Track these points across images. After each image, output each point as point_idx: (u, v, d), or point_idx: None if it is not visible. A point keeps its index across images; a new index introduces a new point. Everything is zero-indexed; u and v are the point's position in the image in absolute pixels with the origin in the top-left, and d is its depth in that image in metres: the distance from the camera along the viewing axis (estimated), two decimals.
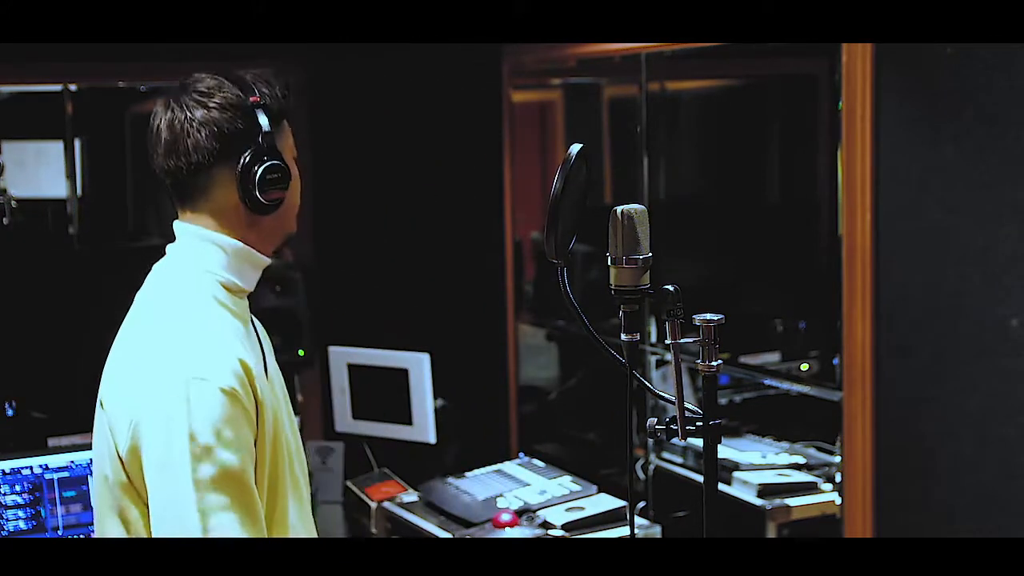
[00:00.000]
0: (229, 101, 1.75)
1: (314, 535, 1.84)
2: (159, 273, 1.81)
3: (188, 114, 1.73)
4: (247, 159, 1.73)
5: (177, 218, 1.81)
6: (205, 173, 1.74)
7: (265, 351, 1.85)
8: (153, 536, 1.62)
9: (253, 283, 1.82)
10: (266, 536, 1.65)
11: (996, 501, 2.58)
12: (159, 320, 1.73)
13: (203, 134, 1.72)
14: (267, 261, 1.83)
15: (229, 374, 1.64)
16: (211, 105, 1.73)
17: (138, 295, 1.81)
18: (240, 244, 1.78)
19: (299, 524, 1.79)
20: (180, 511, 1.59)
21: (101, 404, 1.74)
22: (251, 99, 1.76)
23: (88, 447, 2.77)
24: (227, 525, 1.58)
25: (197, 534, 1.57)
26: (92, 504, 1.74)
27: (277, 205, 1.77)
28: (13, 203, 4.21)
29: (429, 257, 4.29)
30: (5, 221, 4.05)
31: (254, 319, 1.87)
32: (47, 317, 3.18)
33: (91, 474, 1.78)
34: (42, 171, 4.28)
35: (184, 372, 1.62)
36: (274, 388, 1.82)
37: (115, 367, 1.74)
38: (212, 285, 1.76)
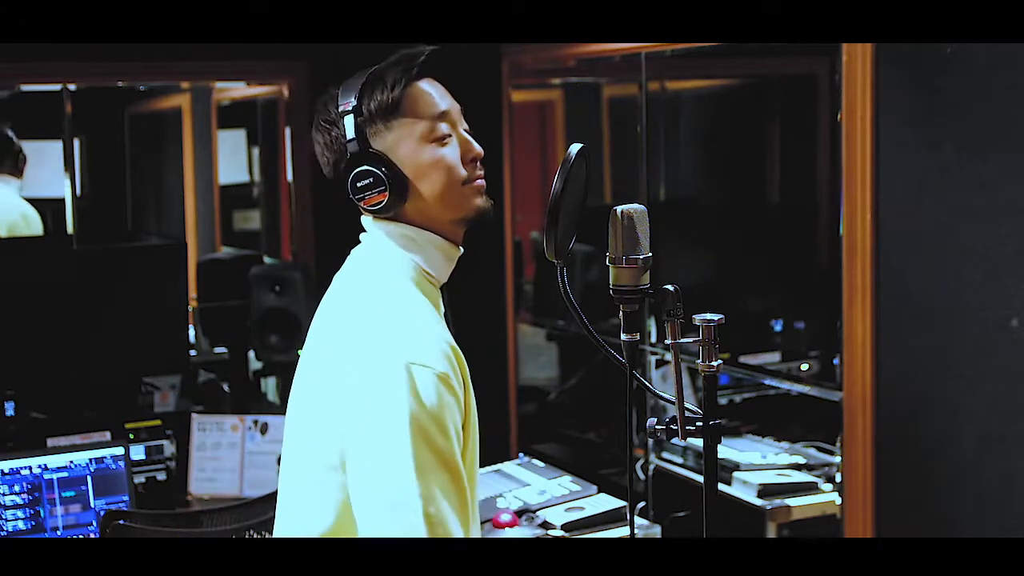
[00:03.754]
0: (325, 117, 1.80)
1: (478, 525, 1.83)
2: (358, 256, 1.82)
3: (312, 136, 1.83)
4: (344, 172, 1.77)
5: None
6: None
7: None
8: (362, 521, 1.60)
9: (445, 273, 1.82)
10: (470, 525, 1.66)
11: (996, 501, 2.58)
12: (365, 302, 1.74)
13: (321, 156, 1.82)
14: (451, 249, 1.81)
15: (443, 359, 1.65)
16: (319, 125, 1.81)
17: (337, 277, 1.82)
18: (420, 230, 1.78)
19: (478, 511, 1.80)
20: (401, 498, 1.58)
21: (303, 388, 1.76)
22: (341, 107, 1.77)
23: (86, 447, 2.77)
24: (445, 512, 1.59)
25: (419, 521, 1.56)
26: (281, 490, 1.75)
27: (394, 205, 1.75)
28: None
29: None
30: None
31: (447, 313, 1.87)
32: (46, 317, 3.17)
33: (278, 461, 1.76)
34: (41, 171, 4.28)
35: (402, 357, 1.62)
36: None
37: (321, 349, 1.75)
38: (411, 267, 1.77)
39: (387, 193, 1.75)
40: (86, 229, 4.13)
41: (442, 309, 1.83)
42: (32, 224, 4.16)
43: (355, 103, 1.77)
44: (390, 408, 1.60)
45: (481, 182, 1.83)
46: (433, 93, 1.82)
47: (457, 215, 1.80)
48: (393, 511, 1.58)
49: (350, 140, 1.76)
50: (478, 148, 1.84)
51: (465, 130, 1.85)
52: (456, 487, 1.62)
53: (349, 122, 1.77)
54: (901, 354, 2.75)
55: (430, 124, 1.78)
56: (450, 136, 1.81)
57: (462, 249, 1.84)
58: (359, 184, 1.76)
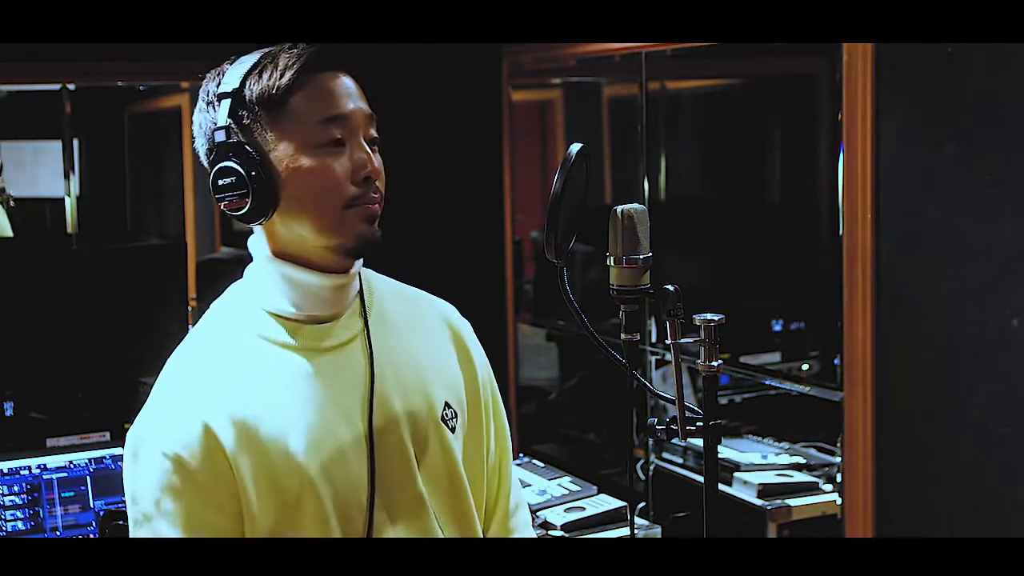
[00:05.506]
0: (205, 97, 1.54)
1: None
2: (213, 304, 1.63)
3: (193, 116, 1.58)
4: (210, 165, 1.52)
5: None
6: None
7: (391, 386, 1.61)
8: None
9: (323, 306, 1.55)
10: None
11: (996, 501, 2.58)
12: (166, 365, 1.61)
13: (196, 138, 1.56)
14: (316, 280, 1.54)
15: (176, 439, 1.47)
16: (199, 105, 1.55)
17: None
18: (280, 263, 1.54)
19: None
20: None
21: None
22: (222, 88, 1.51)
23: (85, 447, 2.77)
24: None
25: None
26: None
27: (258, 215, 1.50)
28: (11, 203, 4.21)
29: (429, 257, 4.28)
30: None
31: (380, 347, 1.61)
32: (45, 317, 3.17)
33: None
34: (40, 171, 4.27)
35: (136, 431, 1.52)
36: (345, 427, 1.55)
37: None
38: (256, 318, 1.55)
39: (249, 199, 1.48)
40: (86, 229, 4.12)
41: (334, 348, 1.57)
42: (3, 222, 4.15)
43: (236, 86, 1.49)
44: (126, 484, 1.53)
45: (373, 207, 1.53)
46: (335, 90, 1.52)
47: (332, 242, 1.52)
48: None
49: (218, 128, 1.49)
50: (375, 165, 1.53)
51: (370, 141, 1.55)
52: None
53: (225, 107, 1.49)
54: (901, 354, 2.75)
55: (318, 126, 1.49)
56: (343, 146, 1.51)
57: (355, 268, 1.59)
58: (220, 182, 1.48)
